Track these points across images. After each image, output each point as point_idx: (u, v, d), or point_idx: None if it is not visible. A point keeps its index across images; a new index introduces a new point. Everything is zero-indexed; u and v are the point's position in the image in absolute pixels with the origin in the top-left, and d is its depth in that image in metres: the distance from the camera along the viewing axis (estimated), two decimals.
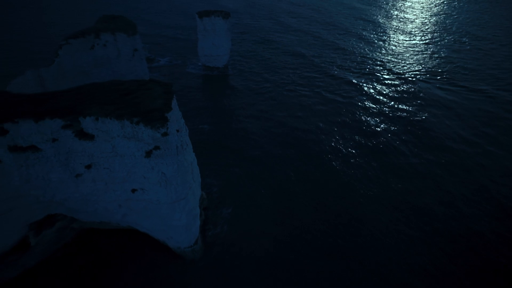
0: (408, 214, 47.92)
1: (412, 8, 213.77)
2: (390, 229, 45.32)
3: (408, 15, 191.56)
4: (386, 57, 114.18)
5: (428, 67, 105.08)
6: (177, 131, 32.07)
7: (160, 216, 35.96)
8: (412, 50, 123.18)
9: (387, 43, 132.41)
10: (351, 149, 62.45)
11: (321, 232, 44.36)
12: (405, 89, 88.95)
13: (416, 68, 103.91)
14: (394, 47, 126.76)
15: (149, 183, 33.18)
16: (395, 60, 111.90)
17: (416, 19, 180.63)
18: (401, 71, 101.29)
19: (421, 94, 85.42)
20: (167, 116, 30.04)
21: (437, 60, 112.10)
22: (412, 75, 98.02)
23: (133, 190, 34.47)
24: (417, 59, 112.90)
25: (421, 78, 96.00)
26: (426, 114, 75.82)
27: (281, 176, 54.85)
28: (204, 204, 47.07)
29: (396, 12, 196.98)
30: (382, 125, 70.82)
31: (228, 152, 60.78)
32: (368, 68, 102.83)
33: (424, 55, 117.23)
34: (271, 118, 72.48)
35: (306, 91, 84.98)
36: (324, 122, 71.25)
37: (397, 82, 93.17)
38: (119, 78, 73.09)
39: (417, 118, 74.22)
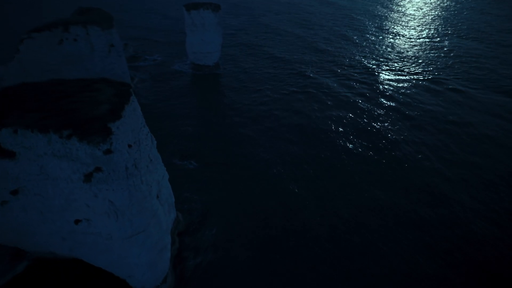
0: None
1: (411, 5, 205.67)
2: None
3: (407, 12, 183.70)
4: (385, 58, 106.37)
5: (436, 68, 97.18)
6: (129, 146, 24.25)
7: (114, 252, 28.21)
8: (416, 49, 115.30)
9: (385, 43, 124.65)
10: (353, 162, 54.57)
11: (324, 264, 36.52)
12: (406, 94, 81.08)
13: (422, 69, 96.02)
14: (391, 48, 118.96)
15: (95, 213, 25.39)
16: (393, 61, 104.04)
17: (417, 16, 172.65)
18: (401, 73, 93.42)
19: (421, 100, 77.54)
20: (112, 127, 22.21)
21: (447, 60, 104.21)
22: (416, 77, 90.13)
23: (77, 221, 26.68)
24: (422, 58, 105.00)
25: (425, 82, 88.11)
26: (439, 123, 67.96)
27: (276, 189, 46.98)
28: (180, 228, 39.29)
29: (392, 12, 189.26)
30: (388, 130, 63.00)
31: (212, 160, 52.88)
32: (367, 70, 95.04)
33: (431, 54, 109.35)
34: (264, 123, 64.55)
35: (303, 95, 76.95)
36: (323, 131, 63.30)
37: (397, 88, 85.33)
38: (93, 77, 65.43)
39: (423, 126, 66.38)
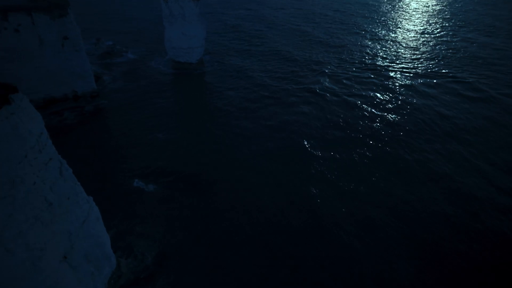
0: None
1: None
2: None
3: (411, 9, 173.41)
4: (386, 55, 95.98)
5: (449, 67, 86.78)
6: None
7: None
8: (425, 45, 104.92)
9: (385, 39, 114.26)
10: (351, 181, 44.24)
11: None
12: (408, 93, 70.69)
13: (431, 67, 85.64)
14: (393, 44, 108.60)
15: None
16: (395, 59, 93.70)
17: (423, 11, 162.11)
18: (404, 73, 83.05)
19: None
20: None
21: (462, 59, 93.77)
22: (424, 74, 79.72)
23: None
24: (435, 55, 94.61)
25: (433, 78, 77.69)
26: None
27: (253, 218, 36.63)
28: (122, 282, 28.91)
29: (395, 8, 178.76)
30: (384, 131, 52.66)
31: (179, 178, 42.32)
32: (370, 68, 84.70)
33: (440, 51, 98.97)
34: (251, 132, 54.11)
35: (302, 100, 66.17)
36: (323, 144, 52.98)
37: (399, 86, 74.92)
38: (45, 76, 54.97)
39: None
